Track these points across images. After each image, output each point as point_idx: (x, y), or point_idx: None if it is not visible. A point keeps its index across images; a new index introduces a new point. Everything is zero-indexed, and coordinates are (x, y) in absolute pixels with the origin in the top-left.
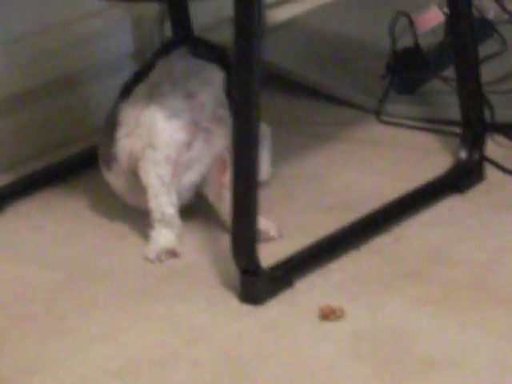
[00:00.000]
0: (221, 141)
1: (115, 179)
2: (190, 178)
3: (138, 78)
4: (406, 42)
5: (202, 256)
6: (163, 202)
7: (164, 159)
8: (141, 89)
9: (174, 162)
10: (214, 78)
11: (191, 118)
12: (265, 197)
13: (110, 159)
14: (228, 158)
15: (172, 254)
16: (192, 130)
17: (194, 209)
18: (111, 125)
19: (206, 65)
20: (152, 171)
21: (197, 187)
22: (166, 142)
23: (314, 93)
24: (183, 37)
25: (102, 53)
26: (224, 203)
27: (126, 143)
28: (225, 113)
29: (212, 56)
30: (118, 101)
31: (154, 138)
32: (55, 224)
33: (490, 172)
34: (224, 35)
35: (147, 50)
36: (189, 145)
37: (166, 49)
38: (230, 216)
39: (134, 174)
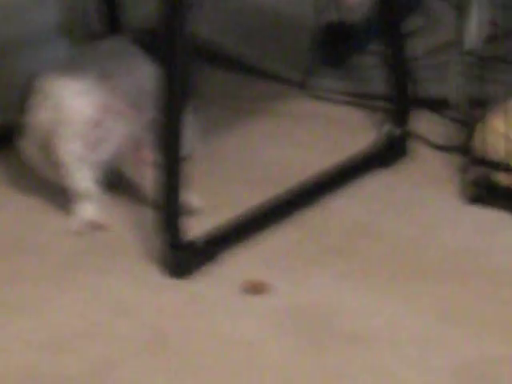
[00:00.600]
0: (134, 126)
1: (28, 149)
2: (99, 156)
3: None
4: (332, 15)
5: (127, 229)
6: (78, 177)
7: (72, 135)
8: (62, 60)
9: (84, 138)
10: (139, 65)
11: (102, 97)
12: (189, 170)
13: (23, 127)
14: (143, 137)
15: (94, 225)
16: (101, 110)
17: (121, 183)
18: (27, 91)
19: (136, 53)
20: (62, 147)
21: (110, 165)
22: (73, 118)
23: (240, 66)
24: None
25: (26, 25)
26: (144, 179)
27: (36, 112)
28: (145, 101)
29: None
30: None
31: (60, 113)
32: None
33: (414, 146)
34: (150, 7)
35: (72, 23)
36: (97, 123)
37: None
38: (155, 190)
39: (45, 147)
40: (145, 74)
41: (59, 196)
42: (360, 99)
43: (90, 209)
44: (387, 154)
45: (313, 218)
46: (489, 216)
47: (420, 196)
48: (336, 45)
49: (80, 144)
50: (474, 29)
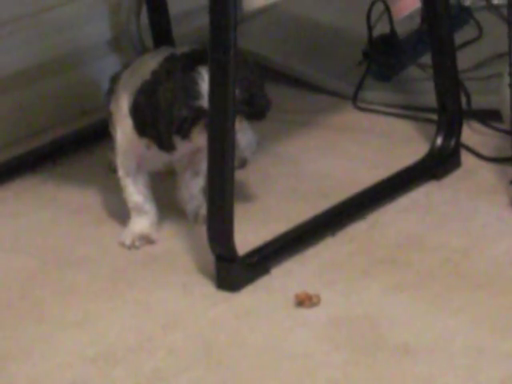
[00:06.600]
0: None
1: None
2: (151, 168)
3: None
4: (382, 28)
5: (178, 243)
6: (131, 192)
7: (123, 152)
8: (127, 70)
9: (137, 155)
10: None
11: None
12: (241, 183)
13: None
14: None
15: (146, 239)
16: None
17: (173, 197)
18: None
19: None
20: (119, 160)
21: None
22: (126, 136)
23: (291, 79)
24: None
25: (79, 40)
26: (195, 187)
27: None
28: None
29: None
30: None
31: (117, 129)
32: (32, 211)
33: (466, 158)
34: (200, 23)
35: (124, 38)
36: (147, 146)
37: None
38: (206, 203)
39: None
40: None
41: (115, 209)
42: (411, 112)
43: (143, 222)
44: (438, 166)
45: (364, 230)
46: None
47: (472, 208)
48: (387, 58)
49: (134, 160)
50: None
